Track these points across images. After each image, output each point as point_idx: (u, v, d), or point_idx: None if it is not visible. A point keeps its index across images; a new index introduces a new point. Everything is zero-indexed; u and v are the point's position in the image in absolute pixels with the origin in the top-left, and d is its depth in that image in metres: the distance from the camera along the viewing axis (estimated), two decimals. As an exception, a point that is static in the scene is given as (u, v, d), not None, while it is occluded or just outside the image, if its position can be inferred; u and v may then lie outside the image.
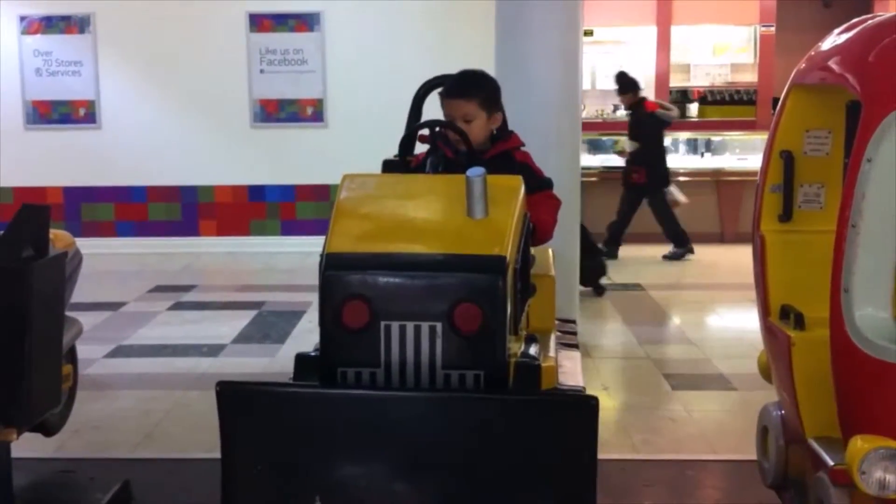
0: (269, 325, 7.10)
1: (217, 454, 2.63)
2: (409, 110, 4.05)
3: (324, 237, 2.81)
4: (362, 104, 9.87)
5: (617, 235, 9.69)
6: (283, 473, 2.60)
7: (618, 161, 10.85)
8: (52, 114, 10.33)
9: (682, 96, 12.05)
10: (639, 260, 9.63)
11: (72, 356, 4.56)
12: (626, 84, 9.52)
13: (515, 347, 2.89)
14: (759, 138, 9.42)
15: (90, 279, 7.52)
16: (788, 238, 3.50)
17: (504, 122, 3.77)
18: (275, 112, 10.25)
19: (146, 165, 10.25)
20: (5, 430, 3.26)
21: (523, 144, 3.73)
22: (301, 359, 2.85)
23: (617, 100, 11.78)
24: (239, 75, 10.17)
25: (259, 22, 10.18)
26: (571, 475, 2.53)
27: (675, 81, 11.71)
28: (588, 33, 11.14)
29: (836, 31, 3.34)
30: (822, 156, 3.49)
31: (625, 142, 9.73)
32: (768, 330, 3.50)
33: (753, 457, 3.89)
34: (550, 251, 3.95)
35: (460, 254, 2.72)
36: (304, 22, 10.20)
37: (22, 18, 10.21)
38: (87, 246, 7.60)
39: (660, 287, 8.41)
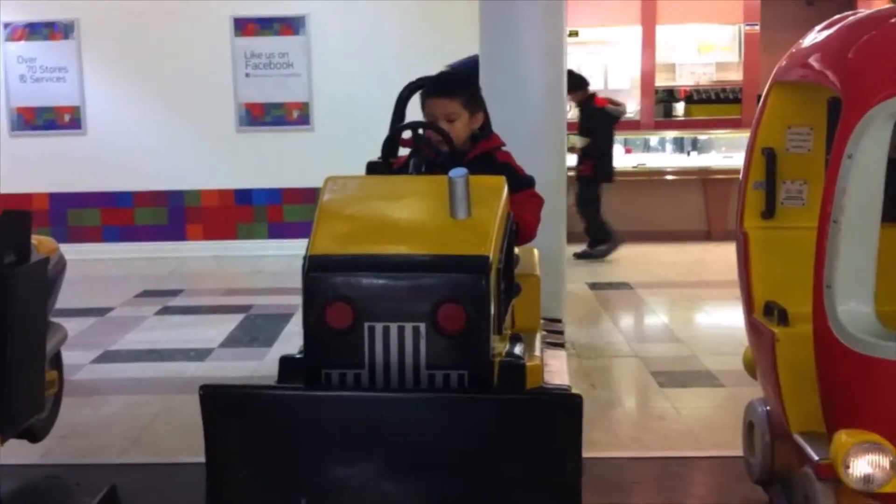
0: (256, 329, 7.09)
1: (204, 458, 2.62)
2: (392, 112, 4.06)
3: (309, 240, 2.81)
4: (348, 107, 9.86)
5: (601, 230, 9.67)
6: (267, 476, 2.59)
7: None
8: (36, 120, 10.30)
9: (669, 95, 12.08)
10: (626, 258, 9.64)
11: (57, 362, 4.56)
12: (574, 82, 9.44)
13: (500, 347, 2.89)
14: (745, 136, 9.39)
15: (77, 285, 7.53)
16: (771, 235, 3.52)
17: (487, 122, 3.77)
18: (261, 116, 10.24)
19: (132, 170, 10.21)
20: (-11, 437, 3.25)
21: (504, 144, 3.73)
22: (285, 361, 2.84)
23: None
24: (224, 79, 10.15)
25: (244, 26, 10.17)
26: (557, 473, 2.53)
27: (661, 81, 11.73)
28: (573, 34, 11.16)
29: (817, 28, 3.36)
30: (804, 152, 3.51)
31: (575, 139, 9.66)
32: (752, 326, 3.51)
33: (741, 453, 3.91)
34: (536, 251, 3.96)
35: (443, 254, 2.72)
36: (290, 25, 10.18)
37: (6, 25, 10.17)
38: (74, 251, 7.62)
39: (648, 285, 8.42)
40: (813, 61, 3.23)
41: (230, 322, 7.27)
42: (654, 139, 11.36)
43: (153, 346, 6.66)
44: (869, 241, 2.82)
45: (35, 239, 3.98)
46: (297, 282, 2.77)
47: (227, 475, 2.62)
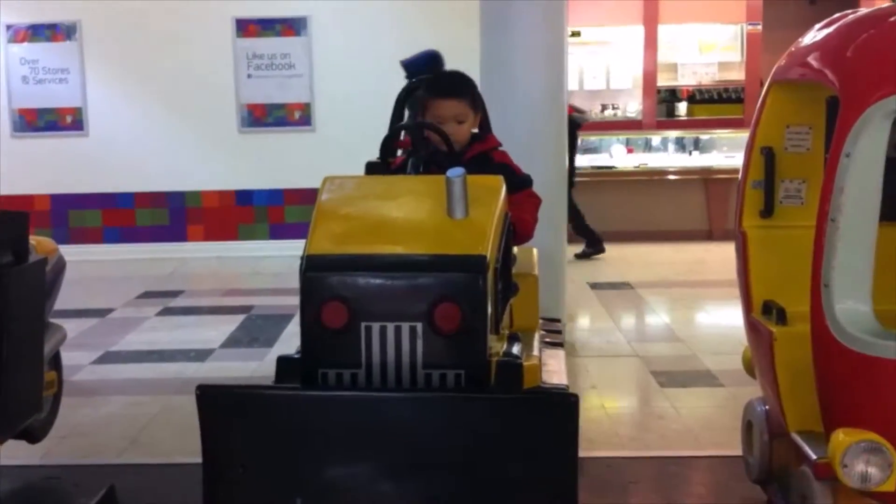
0: (257, 329, 7.09)
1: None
2: (391, 113, 4.05)
3: (311, 240, 2.81)
4: (350, 108, 9.87)
5: (584, 231, 9.63)
6: (264, 476, 2.59)
7: (608, 161, 10.91)
8: (38, 121, 10.31)
9: (671, 95, 12.06)
10: (627, 258, 9.64)
11: (56, 363, 4.56)
12: None
13: (497, 346, 2.89)
14: (747, 136, 9.43)
15: (78, 286, 7.55)
16: (770, 234, 3.52)
17: (486, 122, 3.76)
18: (262, 117, 10.25)
19: (133, 171, 10.23)
20: (-14, 438, 3.25)
21: (500, 144, 3.71)
22: (283, 361, 2.83)
23: (609, 99, 11.84)
24: (226, 80, 10.16)
25: (245, 27, 10.18)
26: (553, 472, 2.53)
27: (663, 80, 11.72)
28: (575, 34, 11.16)
29: (816, 27, 3.36)
30: (802, 151, 3.50)
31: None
32: (751, 325, 3.51)
33: (740, 452, 3.91)
34: (535, 251, 3.95)
35: (440, 254, 2.72)
36: (291, 26, 10.19)
37: (8, 27, 10.19)
38: (75, 253, 7.64)
39: (648, 285, 8.42)
40: (812, 60, 3.22)
41: (231, 323, 7.27)
42: (655, 139, 11.36)
43: (154, 347, 6.66)
44: (867, 239, 2.82)
45: (34, 239, 3.98)
46: (297, 282, 2.77)
47: (223, 475, 2.62)
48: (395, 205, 2.98)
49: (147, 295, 8.48)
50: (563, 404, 2.50)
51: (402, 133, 3.70)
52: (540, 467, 2.52)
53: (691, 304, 7.89)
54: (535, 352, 3.31)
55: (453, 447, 2.54)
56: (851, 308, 2.82)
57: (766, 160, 3.49)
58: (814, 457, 2.98)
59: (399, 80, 4.17)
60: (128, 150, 10.22)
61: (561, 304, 6.20)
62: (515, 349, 2.99)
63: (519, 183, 3.52)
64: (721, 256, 9.01)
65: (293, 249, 2.80)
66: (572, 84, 11.27)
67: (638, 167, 10.82)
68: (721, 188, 10.35)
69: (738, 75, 11.77)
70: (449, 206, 2.81)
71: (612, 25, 11.65)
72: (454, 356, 2.65)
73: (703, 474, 4.38)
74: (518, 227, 3.33)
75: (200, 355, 6.42)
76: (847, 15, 3.21)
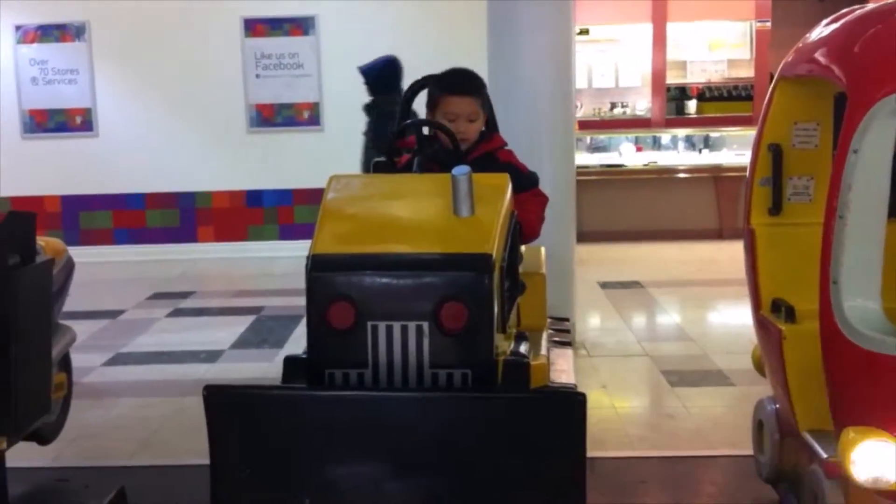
0: (267, 330, 7.10)
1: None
2: (398, 111, 4.04)
3: (319, 240, 2.80)
4: (358, 107, 9.79)
5: None
6: (272, 476, 2.59)
7: (617, 159, 10.88)
8: (48, 122, 10.33)
9: (680, 93, 12.03)
10: (637, 257, 9.61)
11: (65, 364, 4.56)
12: None
13: (504, 345, 2.88)
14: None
15: (88, 287, 7.56)
16: (779, 231, 3.50)
17: (492, 122, 3.75)
18: (271, 117, 10.25)
19: (143, 172, 10.24)
20: (-6, 439, 3.25)
21: (506, 144, 3.68)
22: (289, 361, 2.84)
23: (618, 97, 11.81)
24: (235, 80, 10.16)
25: (254, 27, 10.18)
26: (561, 472, 2.52)
27: (672, 78, 11.70)
28: (584, 32, 11.14)
29: (824, 22, 3.34)
30: (810, 148, 3.48)
31: None
32: (760, 323, 3.49)
33: (750, 452, 3.89)
34: (542, 249, 3.94)
35: (446, 252, 2.71)
36: (299, 26, 10.20)
37: (17, 28, 10.21)
38: (86, 254, 7.66)
39: (658, 284, 8.39)
40: (819, 56, 3.20)
41: (241, 324, 7.28)
42: (665, 137, 11.32)
43: (164, 349, 6.67)
44: (875, 236, 2.80)
45: (42, 240, 3.98)
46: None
47: (231, 475, 2.62)
48: (400, 204, 2.98)
49: (157, 296, 8.50)
50: (571, 403, 2.50)
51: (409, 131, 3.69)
52: (547, 467, 2.52)
53: (702, 302, 7.86)
54: (543, 351, 3.30)
55: (461, 447, 2.53)
56: (860, 305, 2.80)
57: (773, 157, 3.47)
58: (824, 455, 2.97)
59: (408, 79, 4.16)
60: (137, 150, 10.24)
61: (570, 303, 6.19)
62: (523, 348, 2.98)
63: (525, 182, 3.51)
64: (731, 255, 8.96)
65: (303, 250, 2.80)
66: (581, 82, 11.24)
67: (647, 165, 10.79)
68: (731, 186, 10.31)
69: (747, 72, 11.74)
70: (455, 204, 2.81)
71: (621, 23, 11.64)
72: (461, 355, 2.65)
73: (713, 474, 4.36)
74: (524, 226, 3.32)
75: (211, 356, 6.43)
76: (854, 10, 3.19)
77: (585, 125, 11.27)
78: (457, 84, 3.58)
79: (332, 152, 9.66)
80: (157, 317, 7.68)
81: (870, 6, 3.24)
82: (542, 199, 3.59)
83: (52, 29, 10.24)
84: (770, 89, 3.55)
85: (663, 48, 11.46)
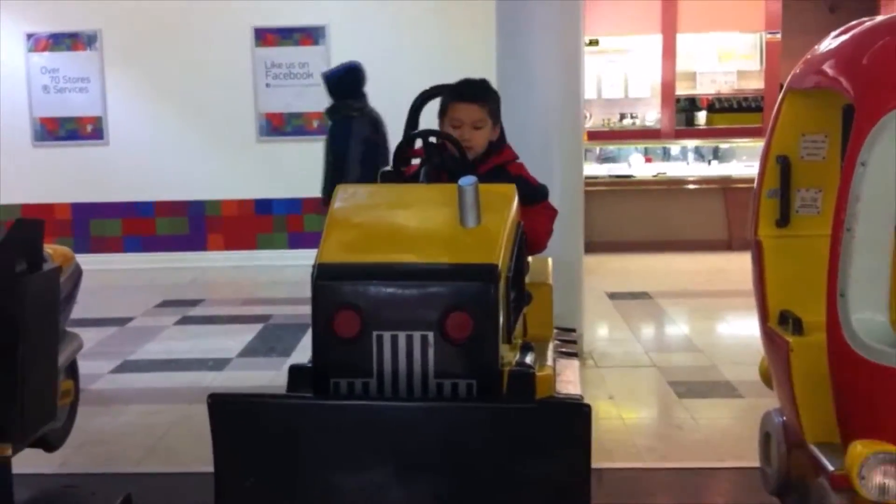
0: (275, 339, 7.10)
1: (214, 467, 2.62)
2: (405, 121, 4.04)
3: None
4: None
5: None
6: (276, 484, 2.58)
7: (626, 170, 10.87)
8: (59, 130, 10.37)
9: (690, 104, 12.03)
10: (645, 267, 9.60)
11: (72, 371, 4.57)
12: None
13: (510, 356, 2.87)
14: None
15: (98, 294, 7.58)
16: (786, 243, 3.49)
17: (501, 135, 3.73)
18: (281, 126, 10.28)
19: (153, 180, 10.28)
20: (0, 446, 3.25)
21: (517, 157, 3.66)
22: (295, 369, 2.83)
23: (628, 108, 11.80)
24: (245, 89, 10.19)
25: (264, 36, 10.21)
26: (566, 483, 2.51)
27: (681, 89, 11.70)
28: (593, 42, 11.15)
29: (832, 34, 3.33)
30: (818, 160, 3.47)
31: None
32: (767, 335, 3.48)
33: (758, 464, 3.87)
34: (549, 259, 3.93)
35: (451, 262, 2.71)
36: (310, 36, 10.23)
37: (29, 36, 10.27)
38: (95, 262, 7.69)
39: (667, 295, 8.38)
40: (827, 68, 3.20)
41: (249, 332, 7.29)
42: (674, 148, 11.31)
43: (172, 356, 6.69)
44: (883, 249, 2.79)
45: (50, 248, 3.99)
46: (315, 292, 2.76)
47: (235, 483, 2.62)
48: (407, 213, 2.98)
49: (166, 304, 8.52)
50: (576, 414, 2.49)
51: (416, 141, 3.68)
52: (552, 478, 2.51)
53: (710, 314, 7.85)
54: (549, 361, 3.29)
55: (465, 457, 2.53)
56: (868, 318, 2.79)
57: (781, 169, 3.46)
58: (831, 468, 2.95)
59: (418, 89, 4.16)
60: (148, 158, 10.27)
61: (578, 313, 6.18)
62: (528, 359, 2.97)
63: (535, 195, 3.50)
64: (740, 266, 8.91)
65: (311, 258, 2.80)
66: (590, 93, 11.27)
67: (656, 176, 10.78)
68: (740, 197, 10.28)
69: (757, 84, 11.73)
70: (461, 214, 2.80)
71: (631, 34, 11.65)
72: (465, 365, 2.64)
73: (720, 485, 4.35)
74: (531, 239, 3.30)
75: (218, 364, 6.44)
76: (863, 22, 3.18)
77: (595, 136, 11.27)
78: (464, 91, 3.59)
79: (341, 161, 9.67)
80: (166, 324, 7.69)
81: (879, 18, 3.23)
82: (552, 213, 3.58)
83: (63, 37, 10.29)
84: (778, 101, 3.54)
85: (673, 59, 11.46)
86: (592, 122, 11.55)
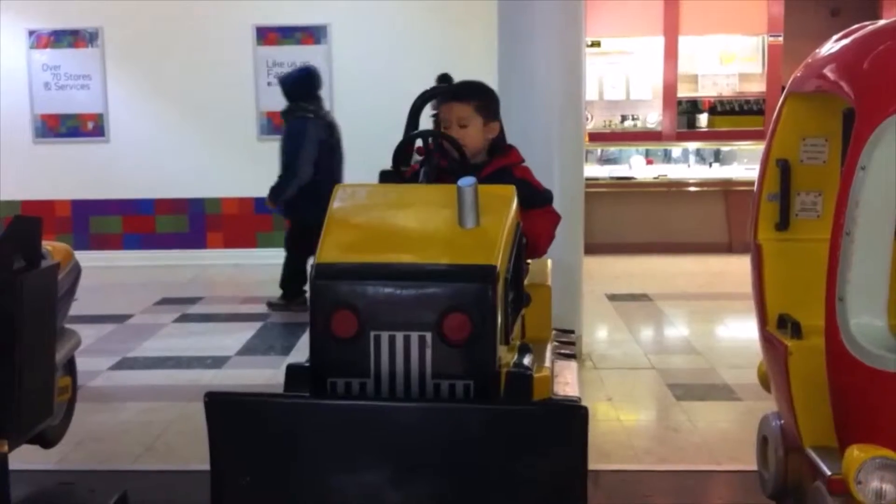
0: (274, 337, 7.11)
1: (211, 466, 2.62)
2: (406, 121, 4.03)
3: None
4: (369, 115, 9.85)
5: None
6: (272, 484, 2.58)
7: (627, 172, 10.87)
8: (60, 127, 10.37)
9: (692, 106, 12.01)
10: (646, 269, 9.60)
11: (70, 368, 4.57)
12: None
13: (507, 357, 2.87)
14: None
15: (97, 292, 7.58)
16: (786, 247, 3.49)
17: (502, 135, 3.72)
18: (282, 124, 10.23)
19: (154, 178, 10.28)
20: (-3, 441, 3.26)
21: (523, 160, 3.63)
22: (292, 369, 2.82)
23: (629, 109, 11.79)
24: (246, 88, 10.19)
25: (266, 35, 10.21)
26: (562, 485, 2.51)
27: (683, 91, 11.68)
28: (595, 44, 11.15)
29: (833, 38, 3.33)
30: (818, 164, 3.47)
31: None
32: (766, 339, 3.48)
33: (755, 467, 3.87)
34: (549, 261, 3.93)
35: (450, 263, 2.71)
36: (311, 35, 10.22)
37: (31, 33, 10.27)
38: (95, 259, 7.69)
39: (667, 297, 8.38)
40: (828, 72, 3.19)
41: (248, 330, 7.29)
42: (676, 150, 11.31)
43: (171, 354, 6.68)
44: (882, 253, 2.79)
45: (49, 245, 4.00)
46: (313, 291, 2.75)
47: (231, 482, 2.61)
48: (405, 214, 2.98)
49: (165, 301, 8.51)
50: (573, 416, 2.48)
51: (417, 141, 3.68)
52: (548, 480, 2.50)
53: (710, 316, 7.85)
54: (547, 363, 3.29)
55: (461, 458, 2.52)
56: (866, 323, 2.79)
57: (781, 172, 3.46)
58: (828, 472, 2.95)
59: (419, 89, 4.15)
60: (148, 156, 10.28)
61: (577, 315, 6.18)
62: (526, 360, 2.96)
63: (538, 199, 3.48)
64: (741, 269, 8.91)
65: (312, 258, 2.80)
66: (592, 94, 11.26)
67: (658, 178, 10.78)
68: (741, 200, 10.27)
69: (759, 87, 11.72)
70: (460, 215, 2.80)
71: (633, 36, 11.64)
72: (463, 366, 2.64)
73: (718, 488, 4.35)
74: (531, 243, 3.30)
75: (217, 362, 6.44)
76: (864, 27, 3.18)
77: (596, 137, 11.27)
78: (450, 91, 3.61)
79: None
80: (165, 322, 7.69)
81: (880, 22, 3.23)
82: (554, 218, 3.55)
83: (65, 34, 10.29)
84: (779, 104, 3.54)
85: (675, 61, 11.45)
86: (593, 123, 11.54)
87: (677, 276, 9.41)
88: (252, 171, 10.22)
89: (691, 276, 9.39)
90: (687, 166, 11.11)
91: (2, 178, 9.82)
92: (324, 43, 10.17)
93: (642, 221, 10.46)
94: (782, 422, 3.50)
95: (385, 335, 2.64)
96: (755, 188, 3.59)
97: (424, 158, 3.43)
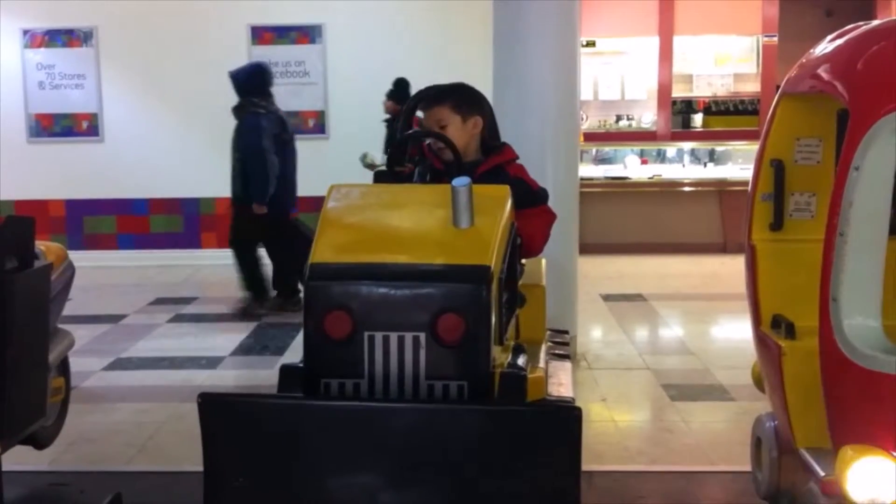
0: (268, 338, 7.09)
1: (204, 467, 2.61)
2: (400, 122, 4.04)
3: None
4: (364, 116, 9.86)
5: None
6: (265, 485, 2.57)
7: (622, 172, 10.87)
8: (54, 127, 10.36)
9: (687, 106, 12.02)
10: (640, 270, 9.60)
11: (64, 369, 4.56)
12: (401, 94, 8.88)
13: (501, 358, 2.86)
14: (761, 148, 9.38)
15: (91, 292, 7.58)
16: (780, 247, 3.49)
17: (495, 132, 3.71)
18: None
19: (148, 178, 10.26)
20: (-12, 443, 3.25)
21: (517, 157, 3.63)
22: (286, 370, 2.82)
23: (624, 109, 11.79)
24: (241, 88, 10.15)
25: (261, 34, 10.20)
26: (556, 486, 2.50)
27: (678, 92, 11.69)
28: (590, 44, 11.15)
29: (827, 38, 3.33)
30: (812, 164, 3.47)
31: (375, 155, 8.65)
32: (760, 339, 3.48)
33: (749, 468, 3.87)
34: (543, 261, 3.92)
35: (444, 264, 2.70)
36: (306, 34, 10.22)
37: (25, 32, 10.25)
38: (89, 259, 7.66)
39: (661, 297, 8.37)
40: (822, 72, 3.19)
41: (242, 331, 7.28)
42: (670, 150, 11.32)
43: (164, 354, 6.67)
44: (876, 254, 2.78)
45: (43, 245, 3.98)
46: (308, 291, 2.75)
47: (224, 483, 2.61)
48: (400, 214, 2.97)
49: (159, 301, 8.50)
50: (567, 417, 2.48)
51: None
52: (542, 480, 2.50)
53: (704, 317, 7.84)
54: (541, 363, 3.28)
55: (455, 458, 2.52)
56: (860, 323, 2.78)
57: (775, 173, 3.46)
58: (822, 473, 2.95)
59: (414, 88, 4.16)
60: (143, 156, 10.26)
61: (572, 315, 6.18)
62: (520, 361, 2.96)
63: (533, 198, 3.48)
64: (735, 269, 8.91)
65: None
66: (587, 94, 11.26)
67: (652, 178, 10.79)
68: (736, 200, 10.27)
69: (753, 87, 11.73)
70: (454, 215, 2.79)
71: (628, 36, 11.63)
72: (457, 367, 2.64)
73: (711, 490, 4.34)
74: (526, 242, 3.29)
75: (211, 363, 6.43)
76: (858, 27, 3.18)
77: (591, 137, 11.27)
78: (423, 99, 3.60)
79: (336, 161, 9.66)
80: (159, 322, 7.68)
81: (875, 23, 3.23)
82: (549, 217, 3.54)
83: (59, 34, 10.28)
84: (773, 104, 3.54)
85: (670, 61, 11.45)
86: (588, 123, 11.54)
87: (672, 276, 9.41)
88: (247, 171, 10.21)
89: (686, 277, 9.39)
90: (682, 166, 11.12)
91: (-4, 177, 9.81)
92: (319, 42, 10.17)
93: (637, 221, 10.46)
94: (776, 423, 3.51)
95: (379, 336, 2.64)
96: (749, 188, 3.59)
97: (419, 158, 3.42)
